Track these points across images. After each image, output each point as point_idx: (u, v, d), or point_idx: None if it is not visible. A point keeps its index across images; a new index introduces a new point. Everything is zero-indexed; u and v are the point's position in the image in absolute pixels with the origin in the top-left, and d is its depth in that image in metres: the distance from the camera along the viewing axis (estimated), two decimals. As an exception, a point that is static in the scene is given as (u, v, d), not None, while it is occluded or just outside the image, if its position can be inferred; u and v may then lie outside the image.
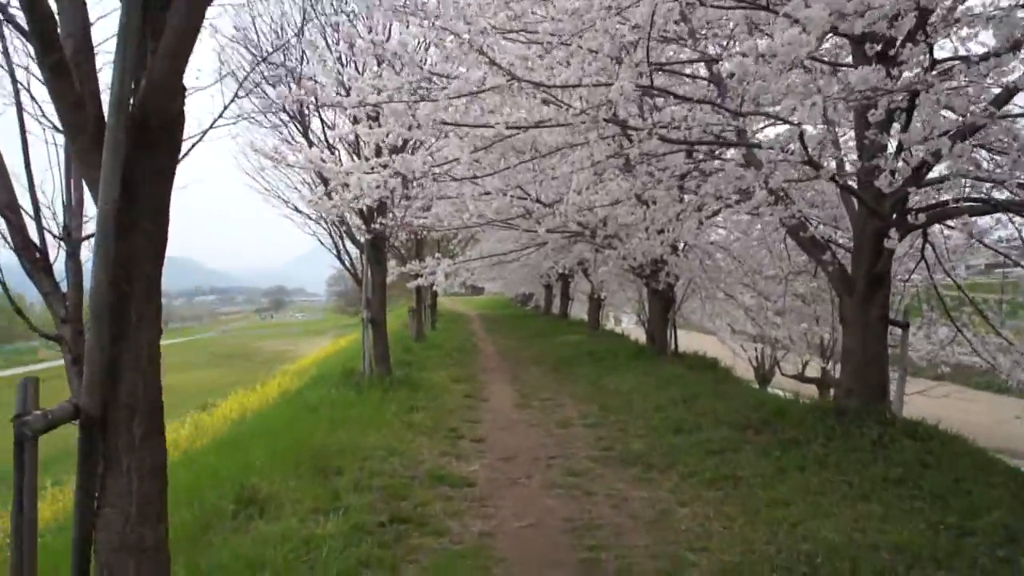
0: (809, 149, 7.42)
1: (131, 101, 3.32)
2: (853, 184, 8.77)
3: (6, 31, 4.94)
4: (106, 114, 3.28)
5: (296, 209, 14.41)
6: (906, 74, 6.90)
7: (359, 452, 8.88)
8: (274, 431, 11.15)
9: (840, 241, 11.31)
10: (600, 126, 6.66)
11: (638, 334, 27.68)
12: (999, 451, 10.60)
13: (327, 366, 26.61)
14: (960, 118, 6.34)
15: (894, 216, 8.66)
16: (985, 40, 7.40)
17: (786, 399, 11.72)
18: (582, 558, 5.74)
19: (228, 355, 74.21)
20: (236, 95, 6.05)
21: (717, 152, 11.11)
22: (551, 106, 6.84)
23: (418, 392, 13.73)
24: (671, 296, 17.56)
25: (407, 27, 7.03)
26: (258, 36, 12.48)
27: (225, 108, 5.84)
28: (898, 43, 6.67)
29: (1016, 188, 7.57)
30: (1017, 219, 9.89)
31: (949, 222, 9.84)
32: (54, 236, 4.91)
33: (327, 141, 12.80)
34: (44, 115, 5.41)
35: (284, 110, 13.57)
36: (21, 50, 5.25)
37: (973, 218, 6.97)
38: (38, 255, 4.79)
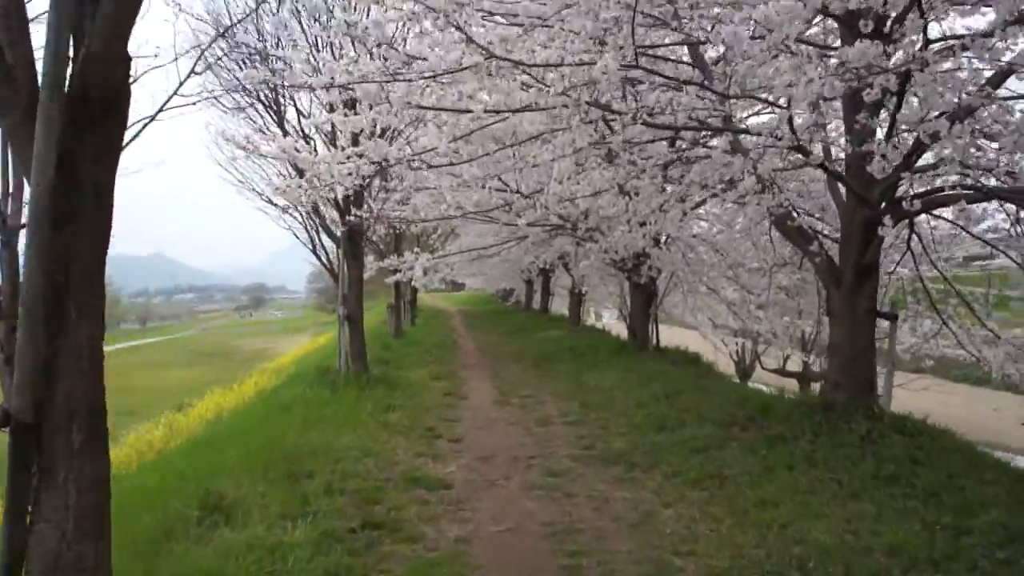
0: (798, 134, 7.18)
1: (68, 71, 2.98)
2: (841, 171, 8.56)
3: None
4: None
5: (270, 202, 14.03)
6: (899, 53, 6.65)
7: (332, 453, 8.55)
8: (245, 432, 10.79)
9: (826, 232, 11.06)
10: (582, 109, 6.35)
11: (619, 329, 27.47)
12: (978, 443, 10.42)
13: (305, 364, 26.23)
14: (956, 99, 6.08)
15: (883, 205, 8.44)
16: (969, 24, 7.23)
17: (771, 395, 11.47)
18: (563, 564, 5.44)
19: (207, 354, 73.61)
20: (193, 70, 5.65)
21: (702, 139, 10.86)
22: (531, 90, 6.53)
23: (395, 390, 13.41)
24: (653, 290, 17.30)
25: (384, 10, 6.72)
26: (230, 17, 12.04)
27: (181, 84, 5.44)
28: (891, 20, 6.40)
29: (1005, 176, 7.34)
30: (1008, 207, 9.68)
31: (939, 211, 9.68)
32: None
33: (302, 130, 12.42)
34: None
35: (259, 99, 13.21)
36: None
37: (971, 205, 6.69)
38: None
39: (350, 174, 7.11)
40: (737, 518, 6.05)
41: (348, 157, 7.35)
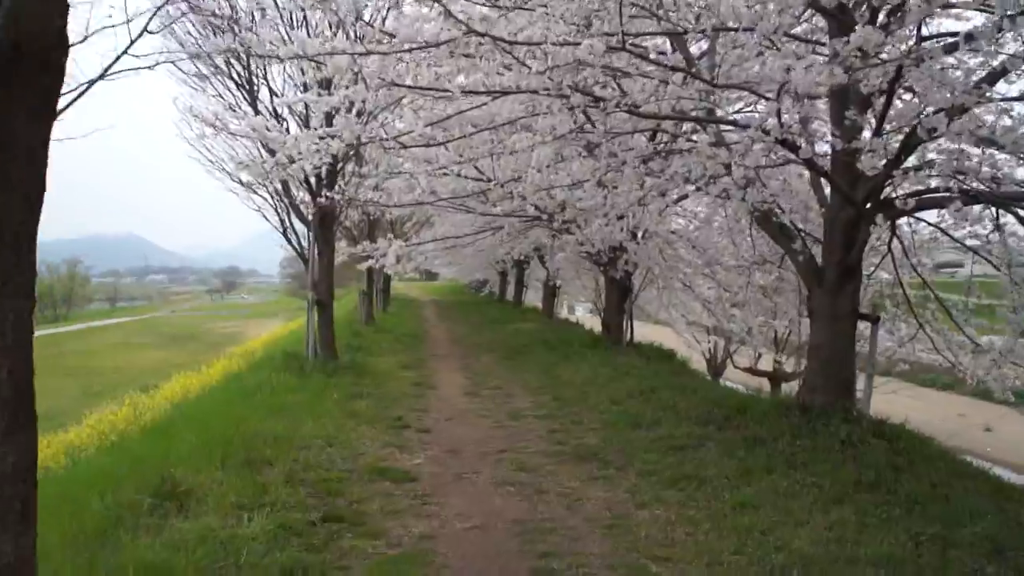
0: (787, 127, 6.96)
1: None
2: (826, 169, 8.34)
3: None
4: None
5: (240, 182, 13.62)
6: (890, 48, 6.45)
7: (295, 442, 8.24)
8: (207, 417, 10.44)
9: (807, 231, 10.87)
10: (565, 93, 6.07)
11: (593, 323, 27.33)
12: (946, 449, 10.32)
13: (274, 349, 25.83)
14: (949, 95, 5.87)
15: (868, 204, 8.26)
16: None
17: (748, 394, 11.31)
18: (533, 567, 5.16)
19: (177, 336, 72.77)
20: (147, 28, 5.27)
21: (685, 133, 10.64)
22: (511, 72, 6.24)
23: (364, 378, 13.11)
24: (628, 285, 17.09)
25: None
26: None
27: (132, 42, 5.06)
28: (886, 12, 6.18)
29: (990, 181, 7.16)
30: (988, 212, 9.53)
31: (921, 214, 9.54)
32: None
33: (274, 109, 12.04)
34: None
35: (231, 77, 12.81)
36: None
37: (966, 207, 6.50)
38: None
39: (317, 151, 6.76)
40: (715, 522, 5.82)
41: (321, 138, 7.00)
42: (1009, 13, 5.38)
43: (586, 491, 6.86)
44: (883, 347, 13.64)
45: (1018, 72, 6.89)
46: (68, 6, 2.88)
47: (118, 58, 4.88)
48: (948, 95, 5.66)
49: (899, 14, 6.04)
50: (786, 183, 12.24)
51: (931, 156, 8.36)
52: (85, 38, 4.54)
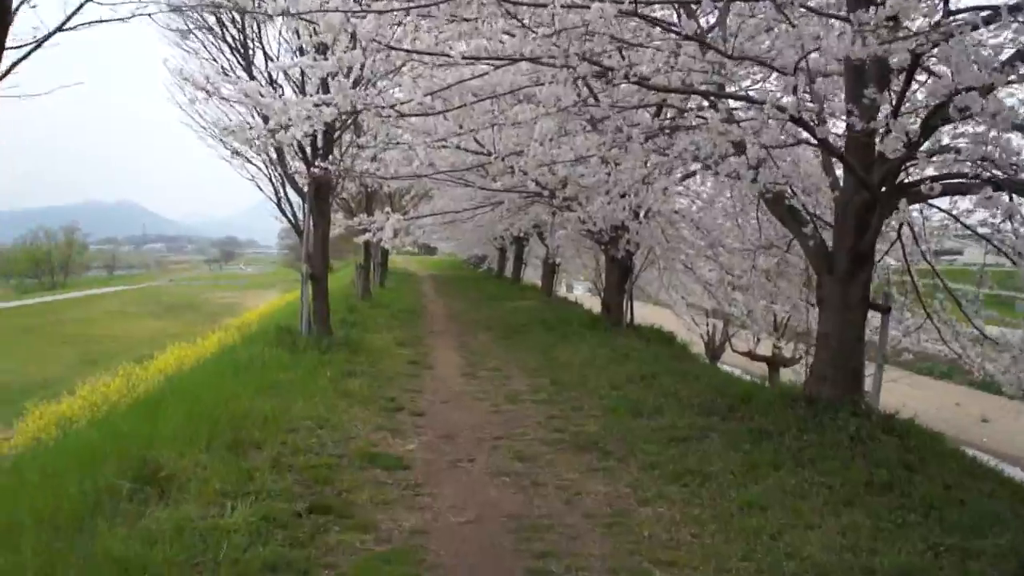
0: (803, 104, 6.63)
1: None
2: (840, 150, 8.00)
3: None
4: None
5: (232, 150, 13.24)
6: (919, 21, 6.12)
7: (285, 423, 7.95)
8: (196, 393, 10.15)
9: (817, 214, 10.54)
10: (571, 61, 5.71)
11: (591, 303, 27.09)
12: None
13: (270, 322, 25.56)
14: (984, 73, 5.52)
15: (883, 189, 7.93)
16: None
17: (752, 383, 11.03)
18: (529, 568, 4.86)
19: (174, 305, 72.72)
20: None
21: (692, 110, 10.29)
22: (516, 37, 5.88)
23: (358, 355, 12.81)
24: (629, 265, 16.78)
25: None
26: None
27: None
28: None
29: (1008, 167, 6.83)
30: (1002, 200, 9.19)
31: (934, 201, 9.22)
32: None
33: (269, 75, 11.64)
34: None
35: (224, 40, 12.40)
36: None
37: (997, 193, 6.15)
38: None
39: (308, 117, 6.39)
40: (722, 523, 5.51)
41: (316, 105, 6.63)
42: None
43: (585, 484, 6.55)
44: (888, 336, 13.39)
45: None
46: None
47: (80, 7, 4.51)
48: (982, 72, 5.31)
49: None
50: (795, 165, 11.93)
51: (945, 140, 8.06)
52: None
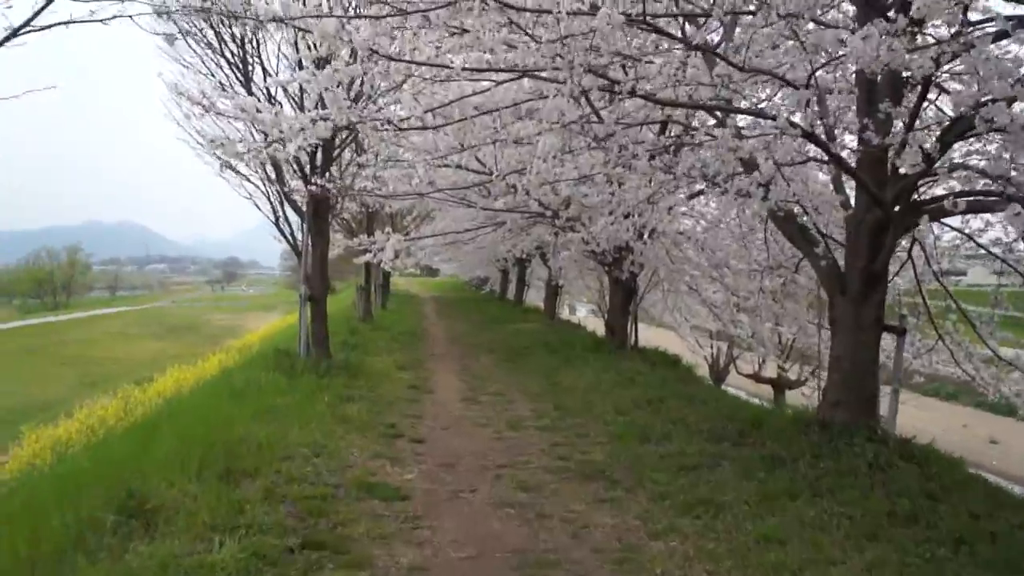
0: (817, 119, 6.40)
1: None
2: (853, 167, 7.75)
3: None
4: None
5: (227, 166, 12.99)
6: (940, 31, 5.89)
7: (279, 450, 7.66)
8: (190, 418, 9.89)
9: (827, 234, 10.29)
10: (576, 73, 5.47)
11: (595, 325, 26.83)
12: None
13: (270, 343, 25.32)
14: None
15: (896, 207, 7.69)
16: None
17: (763, 407, 10.74)
18: (533, 608, 4.58)
19: (176, 327, 72.63)
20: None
21: (696, 127, 10.08)
22: (518, 49, 5.65)
23: (358, 379, 12.51)
24: (633, 287, 16.53)
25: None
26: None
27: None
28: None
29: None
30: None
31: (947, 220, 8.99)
32: None
33: (267, 91, 11.42)
34: None
35: (223, 55, 12.21)
36: None
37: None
38: None
39: (302, 130, 6.14)
40: (738, 558, 5.19)
41: (313, 121, 6.40)
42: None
43: (592, 516, 6.24)
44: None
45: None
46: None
47: (47, 5, 4.27)
48: (1008, 84, 5.06)
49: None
50: (803, 183, 11.70)
51: (956, 157, 7.82)
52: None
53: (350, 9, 5.57)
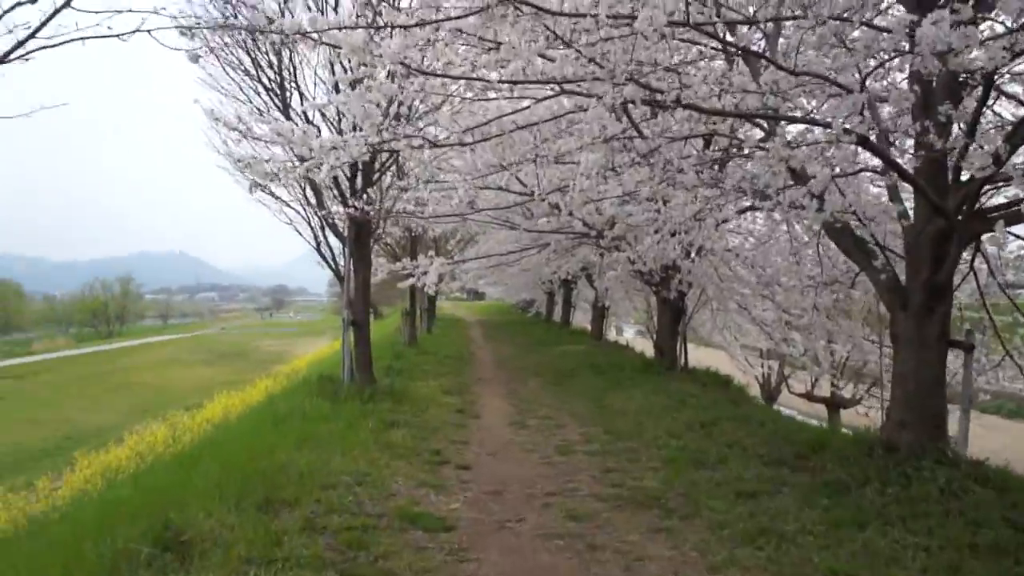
0: (870, 124, 6.05)
1: None
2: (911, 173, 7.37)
3: None
4: None
5: (271, 194, 12.97)
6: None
7: (321, 478, 7.45)
8: (232, 446, 9.77)
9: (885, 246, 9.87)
10: (617, 82, 5.22)
11: (642, 345, 26.46)
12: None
13: (317, 369, 25.35)
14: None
15: (959, 216, 7.29)
16: None
17: (822, 429, 10.29)
18: (586, 651, 4.27)
19: (225, 353, 73.48)
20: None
21: (741, 139, 9.77)
22: (556, 62, 5.40)
23: (402, 404, 12.29)
24: (681, 306, 16.15)
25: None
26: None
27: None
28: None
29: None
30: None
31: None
32: None
33: (304, 115, 11.34)
34: None
35: (260, 81, 12.20)
36: None
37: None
38: None
39: (334, 148, 5.95)
40: (807, 597, 4.85)
41: (345, 140, 6.22)
42: None
43: (647, 547, 5.90)
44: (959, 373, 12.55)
45: None
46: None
47: (56, 12, 4.12)
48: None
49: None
50: (855, 194, 11.30)
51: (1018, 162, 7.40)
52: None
53: (378, 21, 5.34)
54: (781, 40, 7.05)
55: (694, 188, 8.92)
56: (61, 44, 4.26)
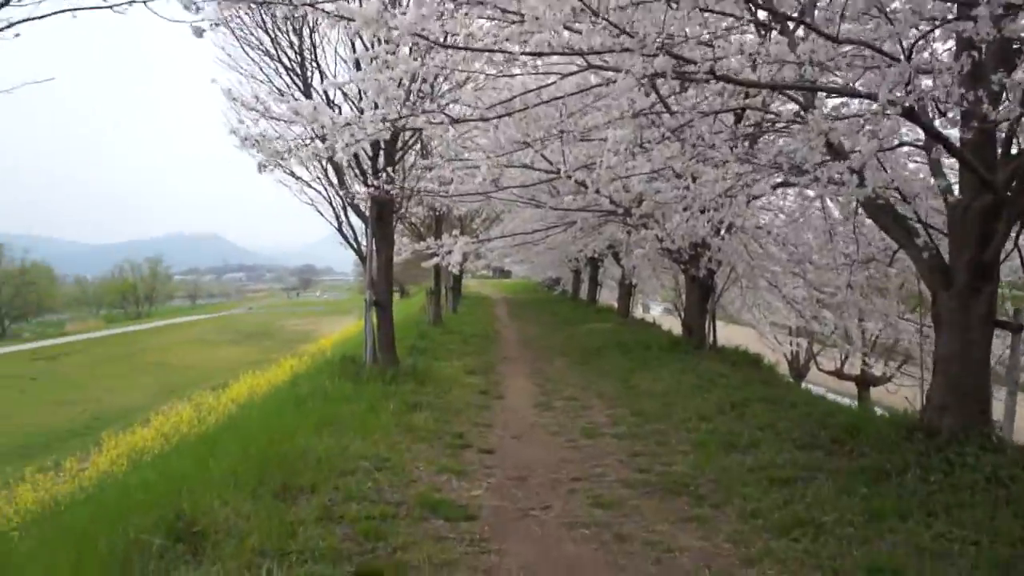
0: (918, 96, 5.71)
1: None
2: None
3: None
4: None
5: (292, 174, 12.75)
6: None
7: (340, 463, 7.29)
8: (252, 430, 9.63)
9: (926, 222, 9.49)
10: (648, 51, 4.92)
11: (670, 323, 26.16)
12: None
13: (343, 348, 25.29)
14: None
15: (1008, 192, 6.94)
16: None
17: (858, 411, 9.94)
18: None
19: (252, 333, 74.02)
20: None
21: (773, 114, 9.44)
22: (582, 32, 5.10)
23: (425, 386, 12.10)
24: (711, 284, 15.83)
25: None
26: None
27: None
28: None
29: None
30: None
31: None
32: None
33: (326, 94, 11.11)
34: None
35: (280, 61, 11.98)
36: None
37: None
38: None
39: (348, 124, 5.70)
40: (849, 595, 4.56)
41: (360, 115, 5.97)
42: None
43: (678, 537, 5.64)
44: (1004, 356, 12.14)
45: None
46: None
47: None
48: None
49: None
50: (893, 169, 10.91)
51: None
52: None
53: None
54: (817, 13, 6.71)
55: (725, 164, 8.60)
56: (46, 16, 4.04)
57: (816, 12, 6.65)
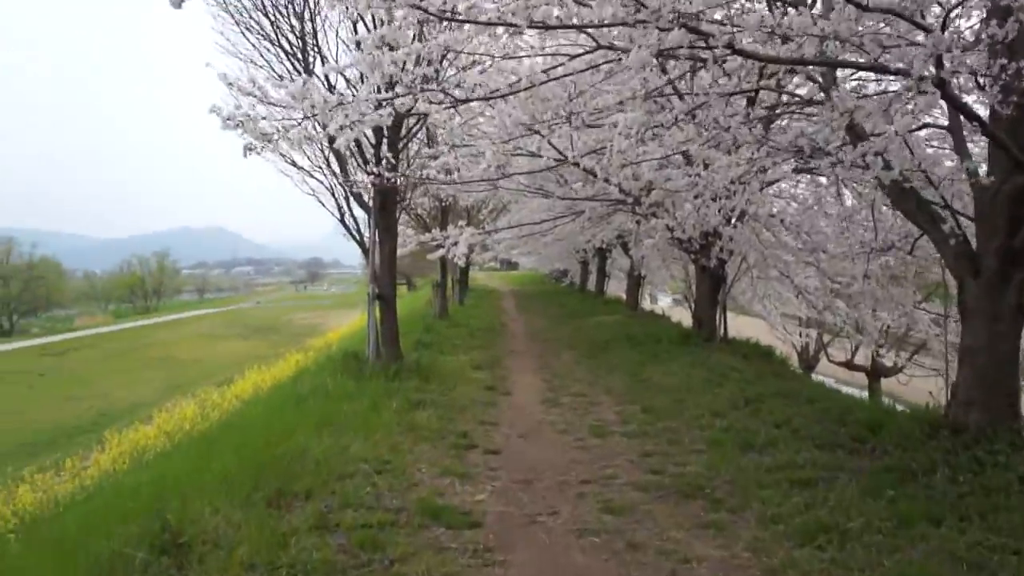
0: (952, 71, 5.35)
1: None
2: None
3: None
4: None
5: (293, 163, 12.41)
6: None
7: (339, 466, 6.97)
8: (250, 429, 9.35)
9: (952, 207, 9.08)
10: (662, 24, 4.55)
11: (679, 315, 25.83)
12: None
13: (348, 342, 25.02)
14: None
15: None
16: None
17: (879, 407, 9.55)
18: None
19: (260, 327, 73.96)
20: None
21: (790, 96, 9.06)
22: (588, 4, 4.74)
23: (430, 382, 11.76)
24: (722, 275, 15.44)
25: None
26: None
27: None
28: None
29: None
30: None
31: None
32: None
33: (327, 79, 10.77)
34: None
35: (280, 45, 11.66)
36: None
37: None
38: None
39: (340, 104, 5.34)
40: (881, 610, 4.21)
41: (353, 95, 5.61)
42: None
43: (693, 546, 5.28)
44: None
45: None
46: None
47: None
48: None
49: None
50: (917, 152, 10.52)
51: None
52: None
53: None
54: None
55: (738, 149, 8.22)
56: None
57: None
